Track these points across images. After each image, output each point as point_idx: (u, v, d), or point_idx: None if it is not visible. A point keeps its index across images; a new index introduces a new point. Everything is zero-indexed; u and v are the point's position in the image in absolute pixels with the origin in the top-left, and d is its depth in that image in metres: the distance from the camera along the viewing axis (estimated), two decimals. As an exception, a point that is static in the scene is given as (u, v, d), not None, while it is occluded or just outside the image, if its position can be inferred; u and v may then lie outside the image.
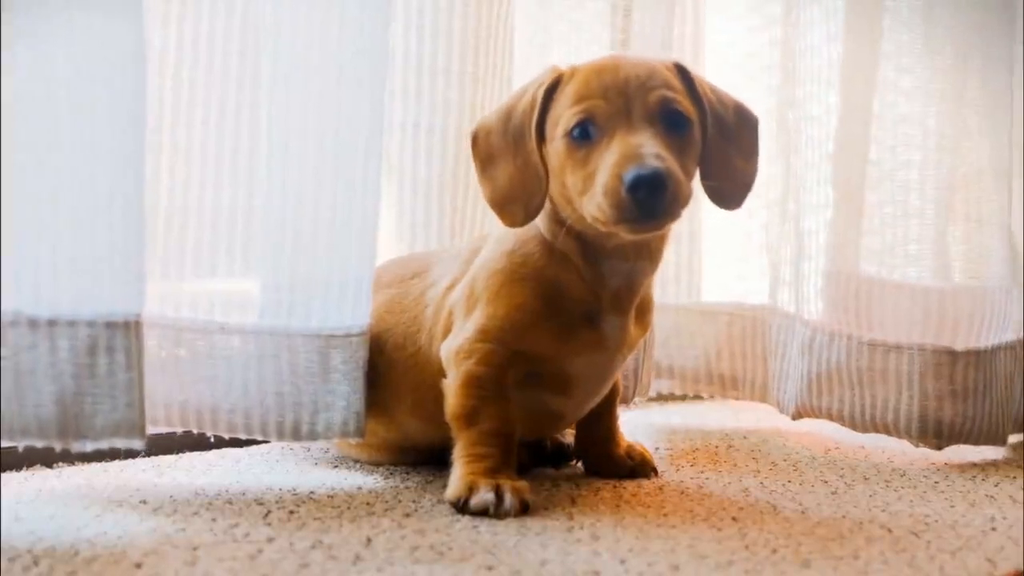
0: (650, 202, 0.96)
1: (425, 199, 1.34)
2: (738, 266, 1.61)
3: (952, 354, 1.35)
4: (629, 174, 0.96)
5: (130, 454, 1.21)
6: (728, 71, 1.57)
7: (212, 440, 1.24)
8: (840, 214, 1.41)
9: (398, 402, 1.16)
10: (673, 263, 1.54)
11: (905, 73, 1.40)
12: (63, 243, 0.96)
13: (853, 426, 1.39)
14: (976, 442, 1.36)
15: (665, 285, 1.54)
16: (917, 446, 1.37)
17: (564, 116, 1.03)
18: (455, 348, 1.08)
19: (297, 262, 1.12)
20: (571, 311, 1.08)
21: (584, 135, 1.02)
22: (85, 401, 0.96)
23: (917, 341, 1.36)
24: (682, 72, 1.07)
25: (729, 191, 1.10)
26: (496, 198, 1.08)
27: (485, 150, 1.09)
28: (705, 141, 1.07)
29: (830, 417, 1.40)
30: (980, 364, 1.36)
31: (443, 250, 1.24)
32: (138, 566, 0.85)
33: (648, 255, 1.09)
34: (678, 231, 1.55)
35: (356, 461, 1.25)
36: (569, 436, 1.27)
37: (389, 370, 1.15)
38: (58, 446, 0.96)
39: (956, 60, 1.39)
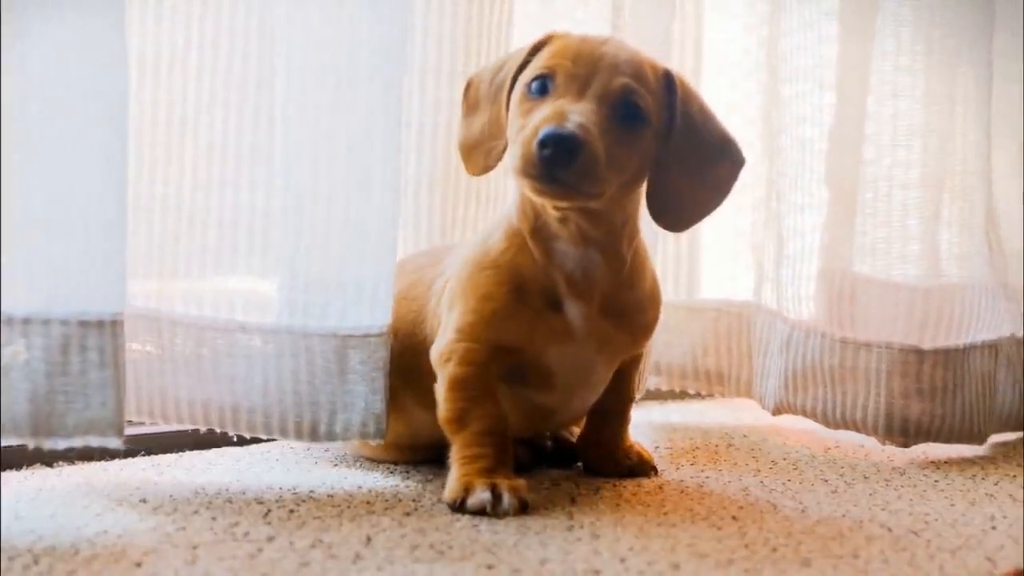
0: (554, 163, 0.96)
1: (415, 197, 1.34)
2: (730, 263, 1.61)
3: (919, 352, 1.35)
4: (543, 130, 0.96)
5: (130, 453, 1.21)
6: (727, 68, 1.57)
7: (213, 439, 1.24)
8: (831, 213, 1.42)
9: (410, 393, 1.16)
10: (661, 261, 1.54)
11: (897, 73, 1.40)
12: (39, 242, 0.96)
13: (825, 423, 1.40)
14: (947, 440, 1.37)
15: (664, 283, 1.54)
16: (884, 444, 1.38)
17: (531, 69, 1.05)
18: (439, 351, 1.09)
19: (314, 262, 1.12)
20: (534, 297, 1.08)
21: (541, 90, 1.03)
22: (57, 399, 0.96)
23: (885, 339, 1.36)
24: (667, 79, 1.07)
25: (675, 211, 1.09)
26: (465, 144, 1.12)
27: (473, 97, 1.12)
28: (668, 152, 1.06)
29: (804, 414, 1.41)
30: (949, 363, 1.36)
31: (459, 244, 1.25)
32: (138, 565, 0.85)
33: (597, 245, 1.08)
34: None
35: (360, 458, 1.25)
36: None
37: (400, 356, 1.15)
38: (31, 444, 0.96)
39: (946, 59, 1.40)
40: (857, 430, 1.38)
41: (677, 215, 1.11)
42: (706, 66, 1.56)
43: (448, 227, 1.36)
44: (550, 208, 1.05)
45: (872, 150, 1.41)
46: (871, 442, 1.43)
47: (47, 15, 0.95)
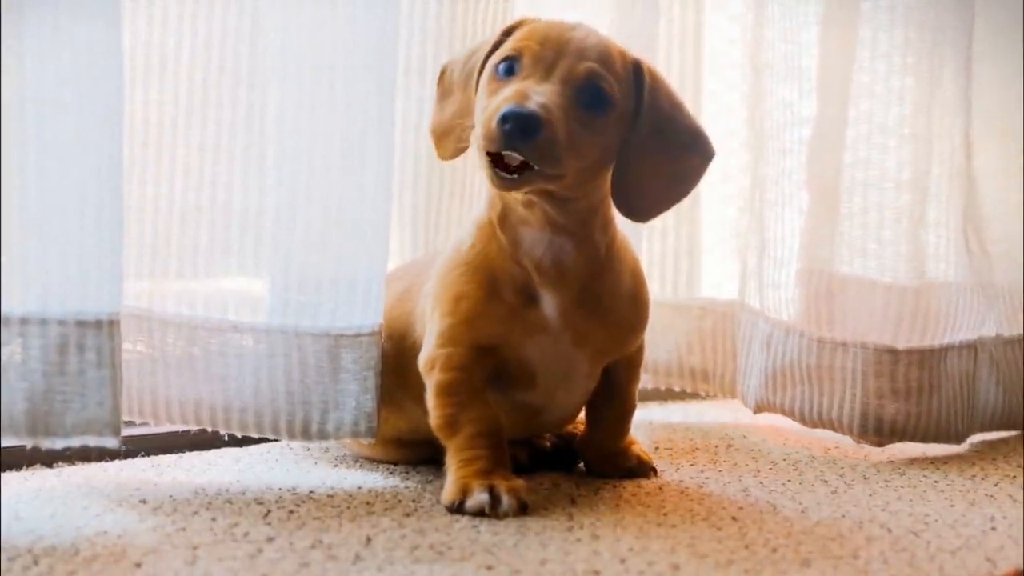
0: (513, 138, 0.96)
1: (399, 197, 1.34)
2: (725, 264, 1.61)
3: (894, 352, 1.36)
4: (505, 107, 0.97)
5: (129, 453, 1.21)
6: (726, 71, 1.57)
7: (212, 439, 1.24)
8: (812, 214, 1.42)
9: (406, 390, 1.15)
10: (647, 259, 1.54)
11: (877, 75, 1.41)
12: (36, 242, 0.96)
13: (803, 422, 1.41)
14: (923, 440, 1.38)
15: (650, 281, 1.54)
16: (859, 443, 1.39)
17: (500, 51, 1.05)
18: (424, 359, 1.09)
19: (307, 261, 1.12)
20: (508, 291, 1.07)
21: (508, 71, 1.03)
22: (55, 399, 0.96)
23: (861, 339, 1.37)
24: (636, 69, 1.07)
25: (638, 200, 1.09)
26: (436, 128, 1.12)
27: (446, 83, 1.13)
28: (631, 141, 1.05)
29: (783, 412, 1.43)
30: (925, 363, 1.37)
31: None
32: (138, 565, 0.85)
33: (566, 233, 1.07)
34: (661, 226, 1.55)
35: (360, 458, 1.25)
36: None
37: (397, 357, 1.15)
38: (28, 443, 0.96)
39: (926, 61, 1.40)
40: (833, 429, 1.39)
41: (638, 204, 1.09)
42: (706, 69, 1.55)
43: (432, 226, 1.36)
44: (512, 192, 1.04)
45: (852, 152, 1.41)
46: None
47: (43, 16, 0.95)
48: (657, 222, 1.52)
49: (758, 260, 1.46)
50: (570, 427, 1.26)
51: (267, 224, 1.13)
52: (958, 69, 1.42)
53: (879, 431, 1.37)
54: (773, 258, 1.44)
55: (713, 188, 1.58)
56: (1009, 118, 1.54)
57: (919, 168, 1.41)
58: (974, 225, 1.48)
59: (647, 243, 1.53)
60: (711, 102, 1.57)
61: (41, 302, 0.96)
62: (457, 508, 1.02)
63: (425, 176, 1.36)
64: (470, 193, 1.38)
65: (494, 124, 0.97)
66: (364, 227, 1.13)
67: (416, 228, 1.36)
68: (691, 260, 1.58)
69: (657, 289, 1.56)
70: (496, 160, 0.98)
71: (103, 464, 1.18)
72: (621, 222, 1.12)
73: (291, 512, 1.02)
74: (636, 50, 1.11)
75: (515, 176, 0.99)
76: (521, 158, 0.97)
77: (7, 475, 1.12)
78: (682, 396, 1.69)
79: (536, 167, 0.98)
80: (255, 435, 1.14)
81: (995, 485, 1.22)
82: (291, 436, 1.13)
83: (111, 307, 0.99)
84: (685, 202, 1.49)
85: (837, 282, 1.42)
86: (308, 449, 1.29)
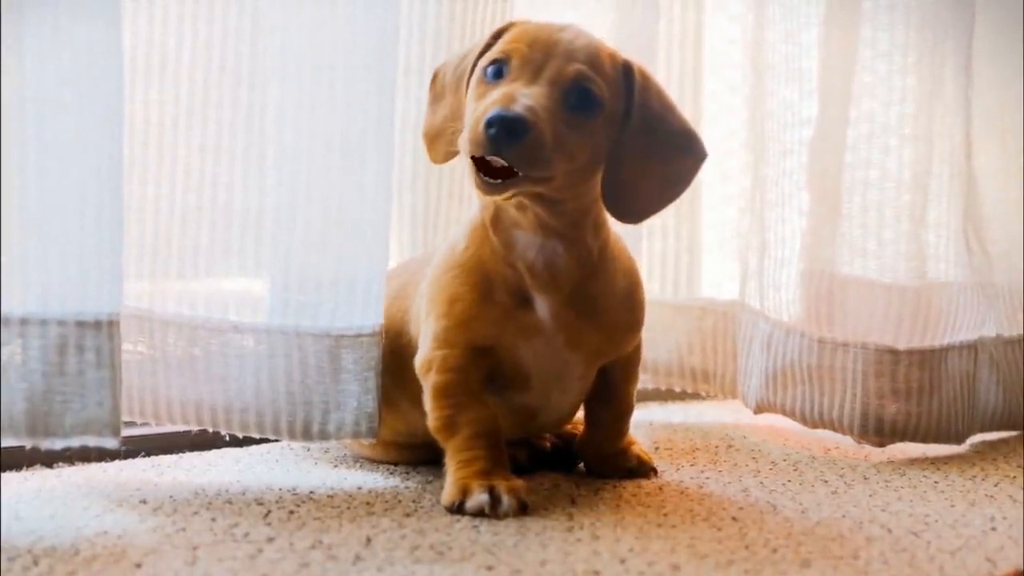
0: (499, 143, 0.95)
1: (398, 197, 1.34)
2: (727, 264, 1.61)
3: (894, 353, 1.37)
4: (491, 111, 0.96)
5: (130, 454, 1.21)
6: (726, 71, 1.57)
7: (213, 440, 1.24)
8: (814, 214, 1.43)
9: (402, 390, 1.15)
10: (647, 259, 1.54)
11: (878, 75, 1.41)
12: (36, 243, 0.96)
13: (803, 422, 1.41)
14: (924, 440, 1.38)
15: (650, 281, 1.54)
16: (859, 443, 1.39)
17: (489, 54, 1.04)
18: (421, 361, 1.09)
19: (307, 261, 1.12)
20: (501, 293, 1.07)
21: (496, 74, 1.03)
22: (55, 399, 0.96)
23: (861, 339, 1.37)
24: (626, 70, 1.06)
25: (630, 202, 1.08)
26: (428, 132, 1.12)
27: (439, 87, 1.13)
28: (622, 142, 1.05)
29: (784, 412, 1.43)
30: (925, 363, 1.37)
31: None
32: (138, 566, 0.85)
33: (558, 235, 1.07)
34: (661, 225, 1.55)
35: (360, 459, 1.25)
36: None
37: (391, 356, 1.15)
38: (28, 444, 0.96)
39: (927, 61, 1.40)
40: (834, 429, 1.40)
41: (630, 206, 1.08)
42: (706, 69, 1.55)
43: (431, 226, 1.37)
44: (499, 197, 1.03)
45: (853, 152, 1.42)
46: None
47: (43, 16, 0.95)
48: (657, 222, 1.52)
49: (759, 260, 1.46)
50: (570, 427, 1.27)
51: (267, 224, 1.13)
52: (958, 68, 1.43)
53: (879, 431, 1.37)
54: (774, 258, 1.44)
55: (713, 188, 1.58)
56: (1009, 118, 1.54)
57: (920, 168, 1.41)
58: (974, 225, 1.49)
59: (647, 243, 1.53)
60: (711, 103, 1.56)
61: (41, 302, 0.96)
62: (457, 508, 1.02)
63: (424, 176, 1.36)
64: (469, 193, 1.37)
65: (480, 128, 0.96)
66: (364, 227, 1.13)
67: (416, 228, 1.36)
68: (691, 260, 1.58)
69: (657, 289, 1.56)
70: (482, 164, 0.98)
71: (103, 464, 1.18)
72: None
73: (291, 512, 1.02)
74: (636, 50, 1.11)
75: (500, 180, 0.98)
76: (505, 163, 0.97)
77: (7, 475, 1.12)
78: (682, 396, 1.69)
79: (520, 173, 0.98)
80: (256, 435, 1.14)
81: (995, 485, 1.22)
82: (292, 436, 1.14)
83: (111, 307, 0.99)
84: (685, 202, 1.51)
85: (838, 282, 1.42)
86: (308, 449, 1.29)
